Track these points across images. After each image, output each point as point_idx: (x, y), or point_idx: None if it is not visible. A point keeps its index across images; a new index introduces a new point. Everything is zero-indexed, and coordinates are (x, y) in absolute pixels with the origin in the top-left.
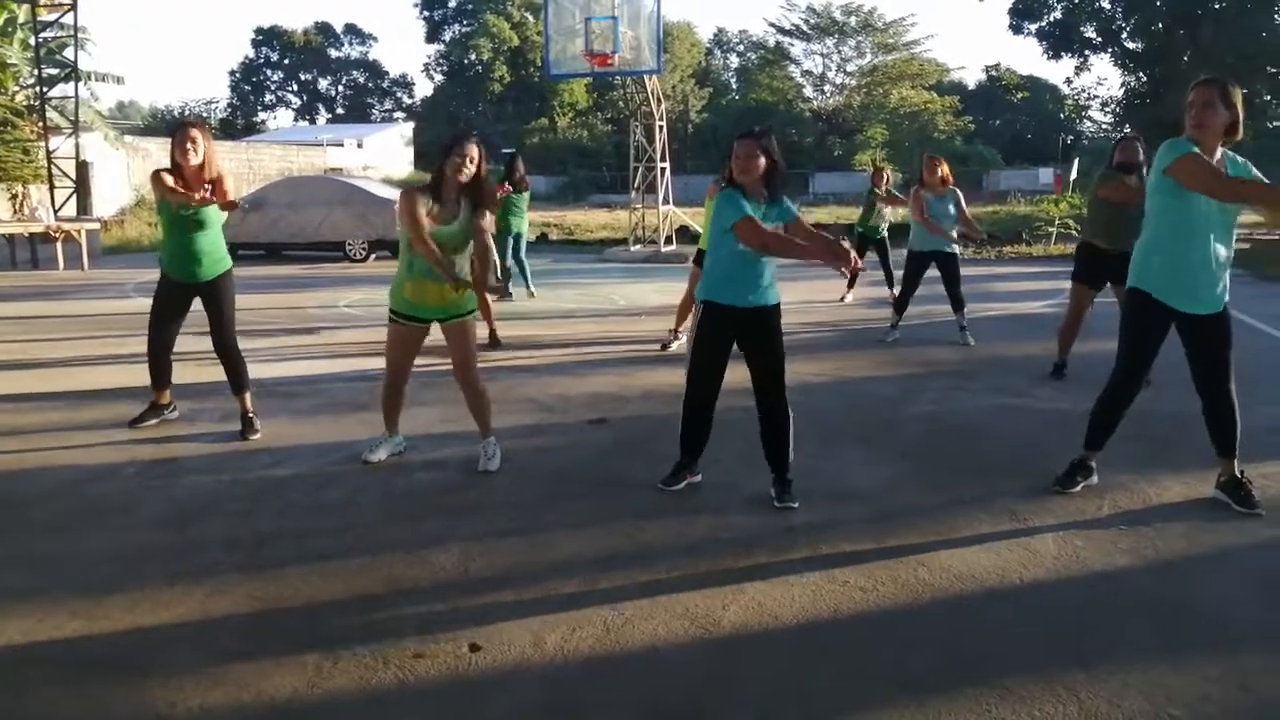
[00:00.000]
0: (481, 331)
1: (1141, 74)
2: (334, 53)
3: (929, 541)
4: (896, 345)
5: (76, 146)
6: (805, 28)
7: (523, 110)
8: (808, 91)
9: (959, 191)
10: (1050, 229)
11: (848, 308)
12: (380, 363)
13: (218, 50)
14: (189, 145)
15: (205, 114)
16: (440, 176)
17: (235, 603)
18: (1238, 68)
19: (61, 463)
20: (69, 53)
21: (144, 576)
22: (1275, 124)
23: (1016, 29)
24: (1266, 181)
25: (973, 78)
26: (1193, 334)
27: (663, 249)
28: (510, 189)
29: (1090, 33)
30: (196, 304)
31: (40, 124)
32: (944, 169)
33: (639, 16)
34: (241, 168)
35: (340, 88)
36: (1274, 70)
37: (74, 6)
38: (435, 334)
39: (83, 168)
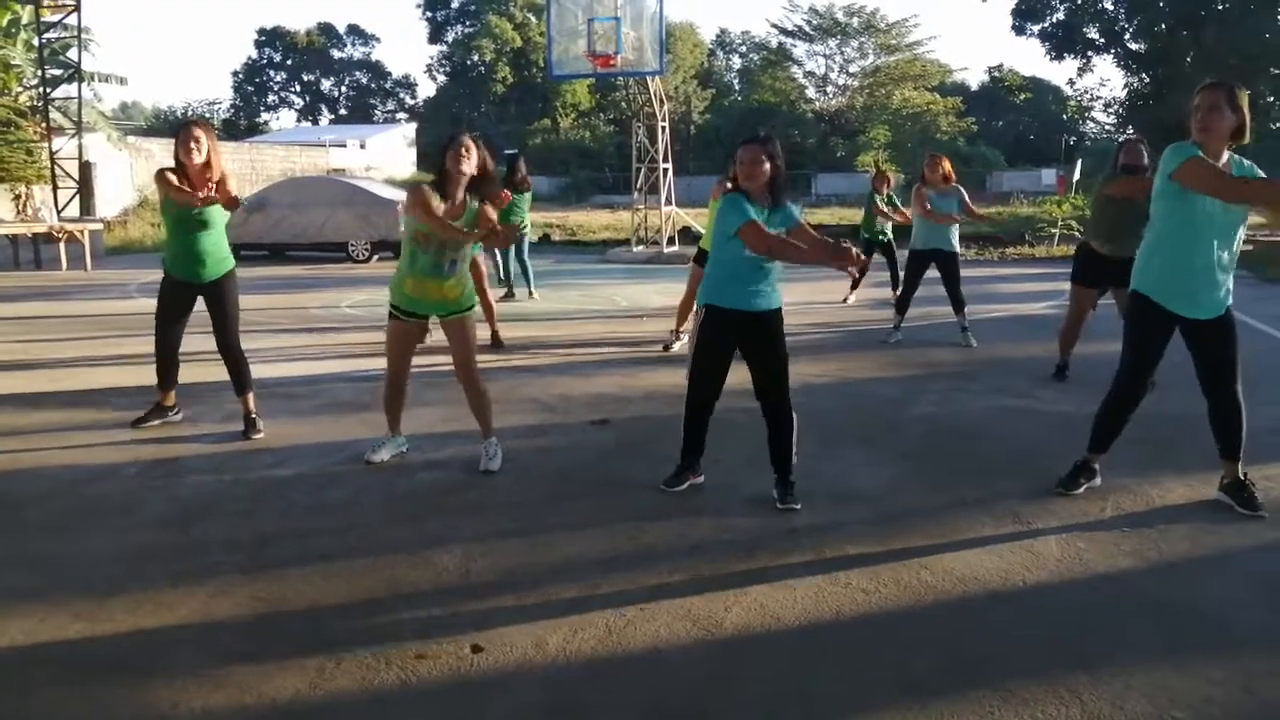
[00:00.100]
0: (484, 332)
1: (1144, 75)
2: (337, 53)
3: (931, 543)
4: (898, 346)
5: (80, 147)
6: (808, 29)
7: (525, 111)
8: (810, 92)
9: (962, 189)
10: (1053, 230)
11: (850, 309)
12: (381, 363)
13: (221, 51)
14: (192, 144)
15: (208, 114)
16: (444, 174)
17: (237, 604)
18: (1241, 69)
19: (63, 463)
20: (73, 53)
21: (146, 577)
22: (1278, 125)
23: (1019, 30)
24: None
25: (975, 79)
26: (1195, 338)
27: (665, 250)
28: (509, 195)
29: (1093, 34)
30: (200, 304)
31: (44, 125)
32: (946, 166)
33: (641, 17)
34: (244, 168)
35: (343, 88)
36: (1277, 71)
37: (78, 7)
38: (440, 333)
39: (86, 168)
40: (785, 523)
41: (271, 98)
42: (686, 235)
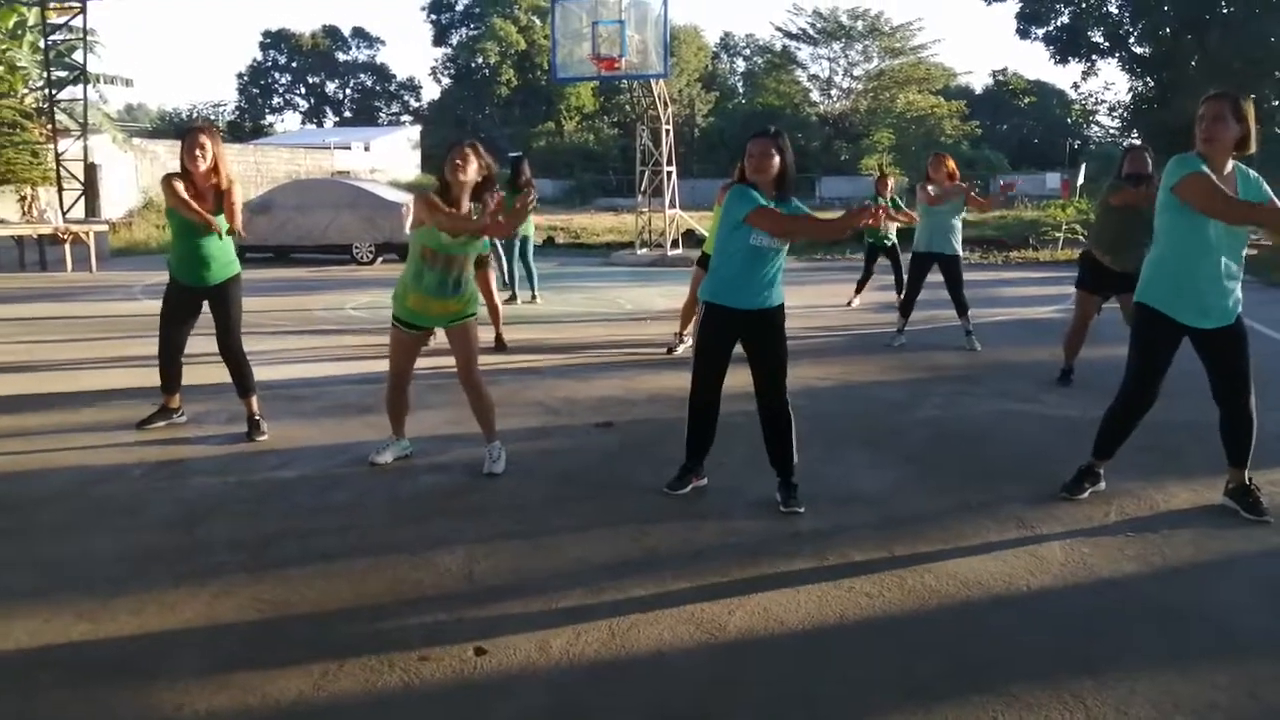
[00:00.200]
0: (488, 334)
1: (1149, 79)
2: (341, 56)
3: (935, 548)
4: (902, 350)
5: (85, 149)
6: (812, 32)
7: (529, 114)
8: (814, 96)
9: (966, 187)
10: (1057, 234)
11: (854, 312)
12: (385, 365)
13: (226, 53)
14: (197, 151)
15: (213, 117)
16: (445, 184)
17: (241, 605)
18: (1246, 73)
19: (68, 464)
20: (78, 55)
21: (150, 578)
22: None
23: (1024, 33)
24: (1278, 200)
25: (980, 82)
26: (1205, 347)
27: (669, 253)
28: (501, 197)
29: (1098, 37)
30: (204, 306)
31: (49, 126)
32: (950, 165)
33: (646, 20)
34: (249, 170)
35: (348, 91)
36: None
37: (83, 9)
38: (442, 337)
39: (91, 170)
40: (789, 526)
41: (276, 100)
42: (690, 238)
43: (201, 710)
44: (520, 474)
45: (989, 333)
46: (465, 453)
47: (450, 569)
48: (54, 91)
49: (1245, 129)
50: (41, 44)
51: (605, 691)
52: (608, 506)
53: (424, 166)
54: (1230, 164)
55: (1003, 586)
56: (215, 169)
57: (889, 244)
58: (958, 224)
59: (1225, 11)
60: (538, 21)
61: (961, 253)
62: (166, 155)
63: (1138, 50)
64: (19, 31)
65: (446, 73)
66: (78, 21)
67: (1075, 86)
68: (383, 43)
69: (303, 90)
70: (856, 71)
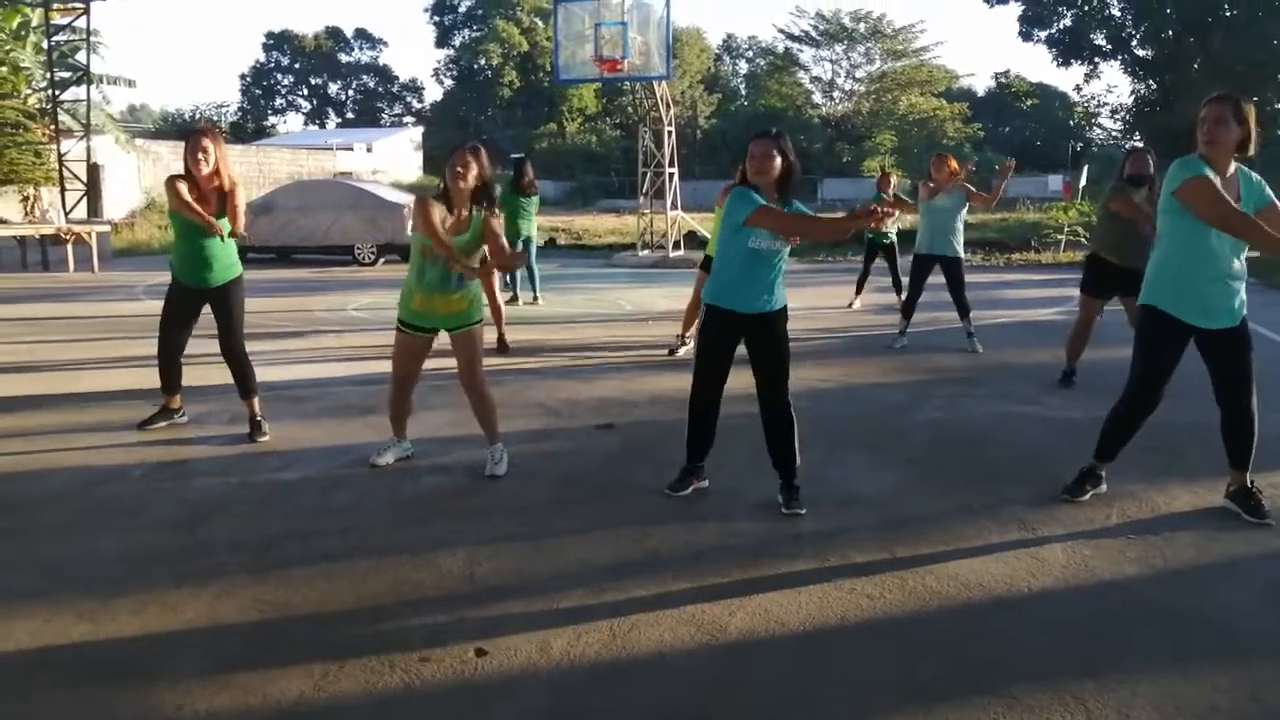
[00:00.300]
0: (490, 335)
1: (1151, 81)
2: (344, 57)
3: (936, 549)
4: (904, 352)
5: (88, 149)
6: (814, 34)
7: (532, 115)
8: (816, 98)
9: (968, 185)
10: (1059, 236)
11: (855, 314)
12: (387, 366)
13: (229, 54)
14: (200, 154)
15: (216, 118)
16: (446, 189)
17: (242, 606)
18: (1248, 76)
19: (69, 464)
20: (81, 56)
21: (151, 579)
22: None
23: (1026, 36)
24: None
25: (982, 84)
26: (1210, 348)
27: (671, 254)
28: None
29: (1100, 40)
30: (207, 307)
31: (52, 127)
32: (952, 165)
33: (648, 22)
34: (251, 171)
35: (350, 92)
36: None
37: (87, 10)
38: (444, 338)
39: (94, 170)
40: (790, 528)
41: (279, 101)
42: (692, 240)
43: (202, 711)
44: (522, 476)
45: (990, 335)
46: (467, 454)
47: (451, 570)
48: (57, 92)
49: (1246, 131)
50: (45, 45)
51: (606, 693)
52: (609, 508)
53: (426, 168)
54: (1232, 166)
55: (1004, 588)
56: (218, 171)
57: (887, 242)
58: (959, 225)
59: (1228, 15)
60: (540, 23)
61: (963, 254)
62: (169, 156)
63: (1140, 53)
64: (22, 32)
65: (449, 74)
66: (81, 22)
67: (1077, 89)
68: (385, 44)
69: (305, 91)
70: (859, 74)
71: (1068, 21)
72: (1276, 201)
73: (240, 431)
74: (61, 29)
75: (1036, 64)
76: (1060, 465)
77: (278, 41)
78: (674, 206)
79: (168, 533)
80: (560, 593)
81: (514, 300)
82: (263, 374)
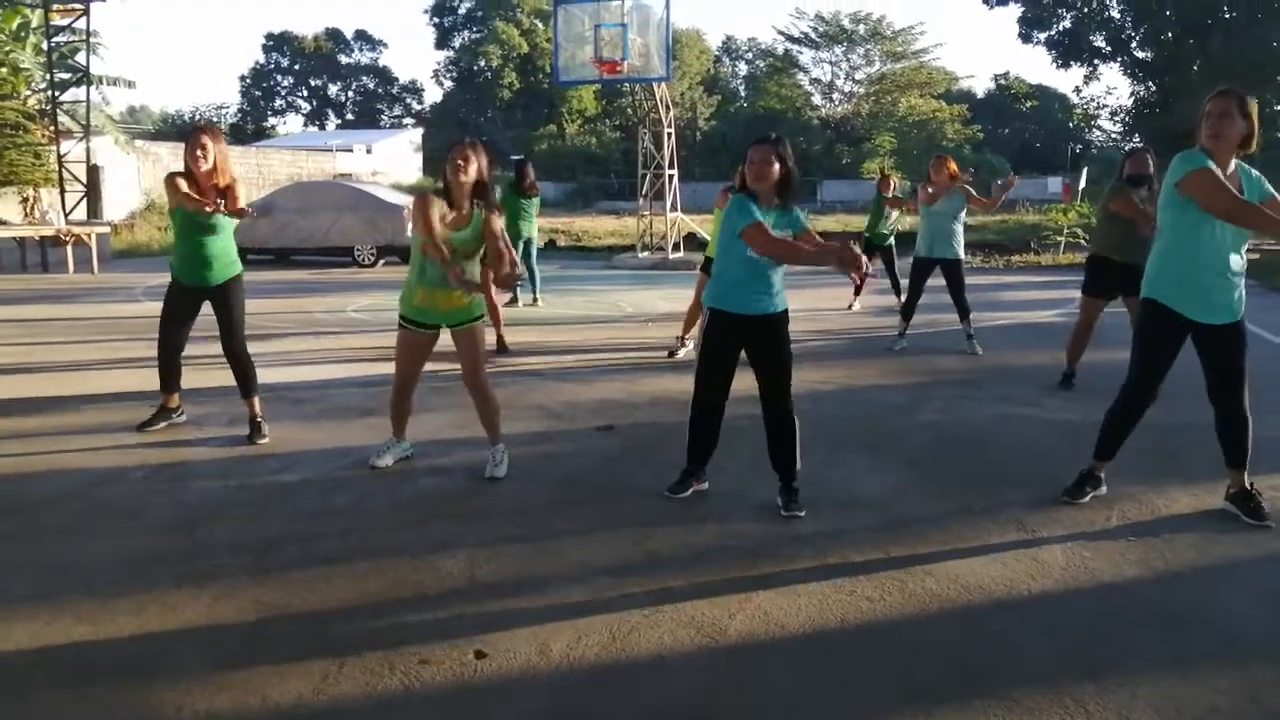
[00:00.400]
0: (489, 337)
1: (1151, 83)
2: (344, 58)
3: (936, 551)
4: (904, 354)
5: (88, 150)
6: (814, 36)
7: (531, 117)
8: (816, 99)
9: (969, 187)
10: (1059, 238)
11: (855, 316)
12: (387, 368)
13: (229, 55)
14: (199, 151)
15: (215, 119)
16: (446, 183)
17: (242, 607)
18: (1248, 77)
19: (69, 466)
20: (81, 57)
21: (151, 580)
22: None
23: (1026, 38)
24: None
25: (981, 86)
26: (1208, 344)
27: (670, 256)
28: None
29: (1100, 42)
30: (206, 308)
31: (52, 128)
32: (952, 167)
33: (648, 24)
34: (251, 173)
35: (350, 93)
36: None
37: (86, 11)
38: (445, 340)
39: (93, 172)
40: (790, 530)
41: (279, 102)
42: (692, 241)
43: (201, 712)
44: (522, 477)
45: (990, 337)
46: (467, 456)
47: (451, 572)
48: (57, 93)
49: (1250, 126)
50: (44, 46)
51: (605, 695)
52: (609, 510)
53: (426, 169)
54: (1234, 162)
55: (1004, 590)
56: (216, 168)
57: (887, 244)
58: (959, 228)
59: (1227, 16)
60: (540, 25)
61: (963, 256)
62: (169, 157)
63: (1139, 55)
64: (22, 33)
65: (449, 75)
66: (81, 23)
67: (1077, 91)
68: (385, 45)
69: (305, 93)
70: (858, 75)
71: (1067, 23)
72: (1278, 196)
73: (239, 433)
74: (61, 30)
75: (1036, 66)
76: (1060, 467)
77: (277, 43)
78: (674, 208)
79: (167, 534)
80: (560, 594)
81: (514, 302)
82: (262, 376)
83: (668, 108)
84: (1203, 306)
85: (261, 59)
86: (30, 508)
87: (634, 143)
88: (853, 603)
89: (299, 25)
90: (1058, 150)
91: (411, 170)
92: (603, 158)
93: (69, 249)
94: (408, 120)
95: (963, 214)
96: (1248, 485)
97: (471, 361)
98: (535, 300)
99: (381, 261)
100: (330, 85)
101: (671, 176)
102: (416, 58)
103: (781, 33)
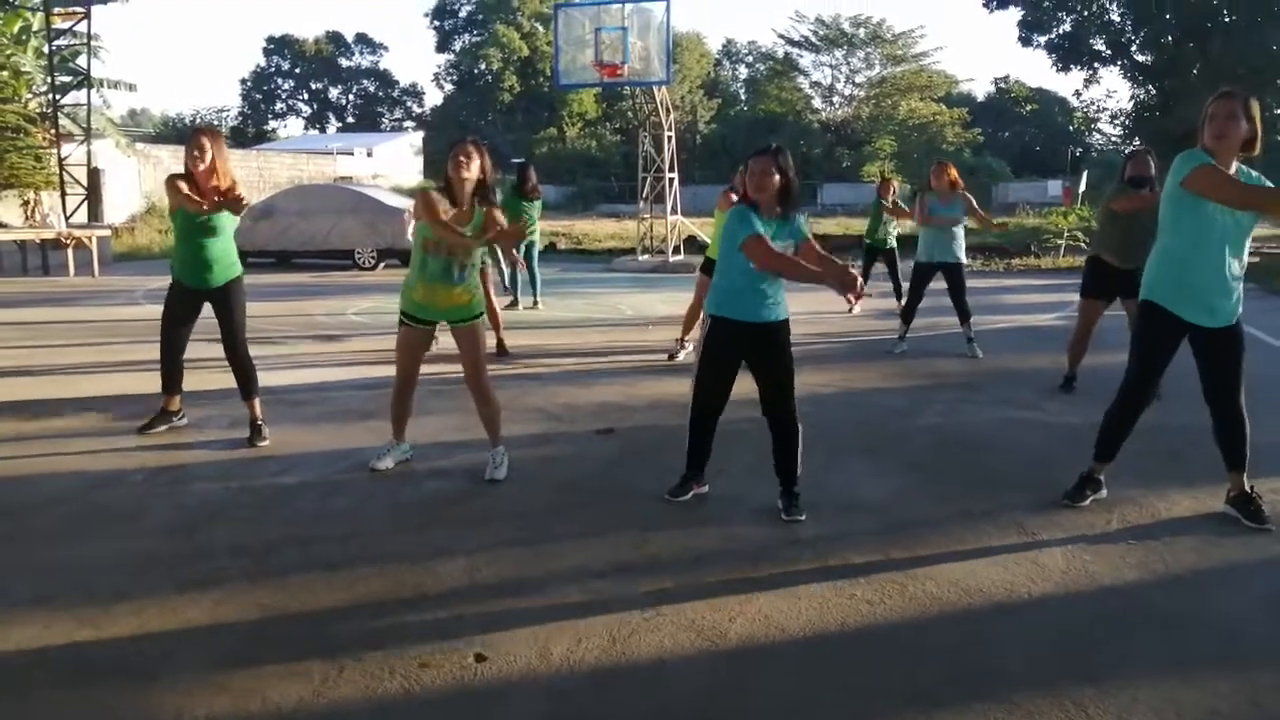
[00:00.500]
0: (489, 340)
1: (1151, 87)
2: (344, 62)
3: (936, 555)
4: (904, 357)
5: (88, 153)
6: (814, 39)
7: (532, 120)
8: (816, 103)
9: (969, 195)
10: (1059, 241)
11: (856, 319)
12: (387, 371)
13: (229, 59)
14: (196, 152)
15: (216, 122)
16: (450, 182)
17: (242, 610)
18: (1248, 81)
19: (69, 469)
20: (82, 60)
21: (151, 583)
22: None
23: (1026, 41)
24: None
25: (982, 90)
26: (1205, 346)
27: (670, 259)
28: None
29: (1100, 45)
30: (207, 310)
31: (53, 131)
32: (952, 174)
33: (648, 27)
34: (252, 176)
35: (350, 97)
36: None
37: (87, 14)
38: (447, 342)
39: (94, 175)
40: (790, 533)
41: (279, 105)
42: (692, 244)
43: (201, 714)
44: (522, 480)
45: (991, 340)
46: (467, 458)
47: (451, 575)
48: (57, 96)
49: (1254, 129)
50: (45, 49)
51: (605, 698)
52: (609, 513)
53: (426, 172)
54: (1235, 164)
55: (1004, 594)
56: (214, 169)
57: (888, 247)
58: (960, 232)
59: (1227, 20)
60: (540, 28)
61: (965, 260)
62: (170, 160)
63: (1140, 58)
64: (23, 37)
65: (449, 79)
66: (81, 27)
67: (1077, 94)
68: (386, 49)
69: (306, 96)
70: (858, 79)
71: (1067, 27)
72: None
73: (239, 436)
74: (62, 33)
75: (1036, 69)
76: (1060, 471)
77: (278, 46)
78: (674, 211)
79: (167, 537)
80: (560, 597)
81: (514, 305)
82: (262, 378)
83: (668, 111)
84: (1201, 309)
85: (262, 62)
86: (30, 510)
87: (634, 146)
88: (853, 606)
89: (300, 28)
90: (1058, 154)
91: (412, 173)
92: (603, 161)
93: (69, 252)
94: (408, 123)
95: (963, 218)
96: (1248, 488)
97: (473, 361)
98: (535, 304)
99: (382, 264)
100: (331, 88)
101: (672, 180)
102: (417, 61)
103: (782, 36)
